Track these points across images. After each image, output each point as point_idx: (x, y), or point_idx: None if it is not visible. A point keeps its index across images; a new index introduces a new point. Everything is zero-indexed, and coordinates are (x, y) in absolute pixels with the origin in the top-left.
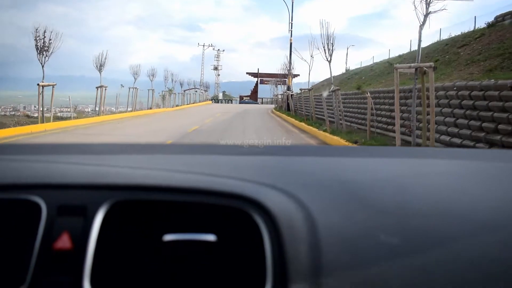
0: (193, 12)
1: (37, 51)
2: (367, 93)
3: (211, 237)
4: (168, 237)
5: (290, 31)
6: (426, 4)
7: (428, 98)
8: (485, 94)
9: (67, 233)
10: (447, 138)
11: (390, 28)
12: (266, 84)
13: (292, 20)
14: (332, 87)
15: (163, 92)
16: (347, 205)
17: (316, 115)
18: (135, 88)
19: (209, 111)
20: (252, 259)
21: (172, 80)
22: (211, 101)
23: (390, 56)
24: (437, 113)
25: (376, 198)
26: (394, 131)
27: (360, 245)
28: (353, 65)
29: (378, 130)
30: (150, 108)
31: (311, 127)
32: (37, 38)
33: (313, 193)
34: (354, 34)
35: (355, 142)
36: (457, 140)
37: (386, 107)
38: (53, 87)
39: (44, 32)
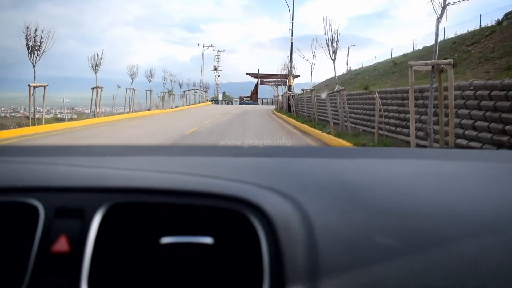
0: (193, 13)
1: (28, 51)
2: (375, 93)
3: (208, 240)
4: (165, 240)
5: (291, 30)
6: None
7: (446, 98)
8: (508, 94)
9: (65, 236)
10: (465, 142)
11: (390, 28)
12: (267, 84)
13: (292, 19)
14: (337, 87)
15: (162, 93)
16: (345, 206)
17: (318, 117)
18: (133, 89)
19: (208, 112)
20: (249, 261)
21: (171, 81)
22: (210, 102)
23: (393, 56)
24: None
25: (375, 199)
26: (403, 134)
27: (359, 246)
28: (354, 66)
29: (386, 133)
30: (148, 110)
31: (314, 129)
32: (28, 37)
33: (311, 194)
34: (354, 34)
35: (363, 146)
36: (476, 144)
37: (394, 108)
38: (44, 88)
39: (35, 30)
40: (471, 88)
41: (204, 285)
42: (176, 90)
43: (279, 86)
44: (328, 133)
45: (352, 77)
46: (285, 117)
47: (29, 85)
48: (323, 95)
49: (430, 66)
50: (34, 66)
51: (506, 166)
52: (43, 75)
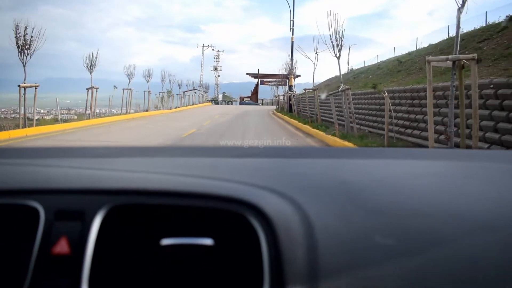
0: (192, 13)
1: (18, 50)
2: (385, 93)
3: (208, 241)
4: (165, 241)
5: (291, 29)
6: None
7: (469, 97)
8: None
9: (65, 238)
10: (485, 146)
11: (390, 28)
12: (267, 84)
13: (293, 18)
14: (342, 86)
15: (160, 93)
16: (344, 207)
17: (321, 117)
18: (130, 89)
19: (208, 113)
20: (249, 262)
21: (170, 81)
22: (210, 103)
23: (395, 55)
24: (469, 115)
25: (374, 199)
26: (413, 136)
27: (358, 246)
28: (355, 65)
29: (396, 135)
30: (146, 110)
31: (317, 130)
32: (18, 36)
33: (310, 195)
34: (354, 34)
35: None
36: (499, 148)
37: (404, 108)
38: (35, 88)
39: (25, 29)
40: (491, 86)
41: (204, 286)
42: (175, 91)
43: (280, 86)
44: (333, 134)
45: (355, 76)
46: (286, 117)
47: (19, 86)
48: (326, 95)
49: (451, 62)
50: (24, 66)
51: (503, 166)
52: (44, 75)
